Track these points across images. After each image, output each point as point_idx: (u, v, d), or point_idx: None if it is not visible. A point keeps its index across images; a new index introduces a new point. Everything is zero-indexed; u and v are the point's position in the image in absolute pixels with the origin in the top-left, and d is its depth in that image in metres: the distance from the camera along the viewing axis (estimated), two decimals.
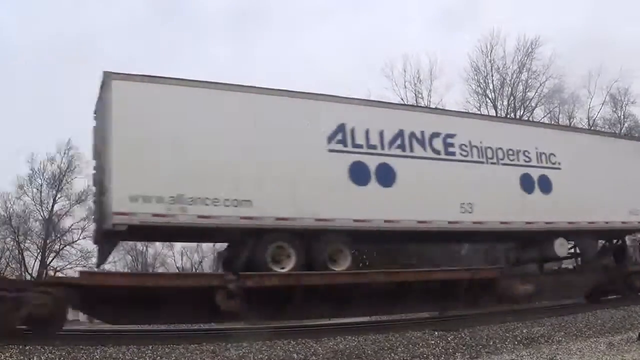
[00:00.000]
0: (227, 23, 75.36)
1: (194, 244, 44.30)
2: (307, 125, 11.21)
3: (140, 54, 61.47)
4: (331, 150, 11.37)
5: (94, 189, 11.33)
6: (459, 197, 12.25)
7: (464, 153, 12.68)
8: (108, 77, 10.19)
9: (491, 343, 9.42)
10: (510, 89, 32.76)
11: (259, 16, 75.20)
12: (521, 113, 31.97)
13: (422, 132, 12.28)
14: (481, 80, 33.11)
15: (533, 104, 32.82)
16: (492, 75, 32.96)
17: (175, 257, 49.92)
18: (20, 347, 7.68)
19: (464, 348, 9.14)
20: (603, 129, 31.47)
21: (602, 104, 34.14)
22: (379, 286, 11.04)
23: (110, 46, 61.86)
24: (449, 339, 9.63)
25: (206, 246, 46.96)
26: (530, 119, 30.36)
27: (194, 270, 46.12)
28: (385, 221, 11.46)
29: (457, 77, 42.52)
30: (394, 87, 32.52)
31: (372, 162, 11.59)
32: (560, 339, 9.70)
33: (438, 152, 12.43)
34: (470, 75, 33.12)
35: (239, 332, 10.03)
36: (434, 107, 27.96)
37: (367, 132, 11.69)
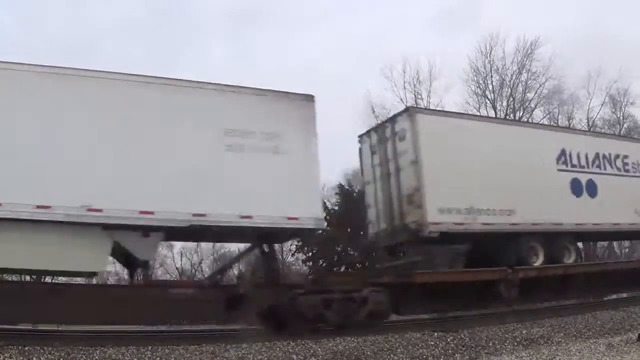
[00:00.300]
0: (227, 23, 75.45)
1: (193, 245, 44.49)
2: (545, 149, 14.29)
3: (140, 53, 61.55)
4: (559, 170, 14.37)
5: (369, 202, 13.72)
6: (634, 204, 15.26)
7: (634, 170, 15.93)
8: (413, 111, 13.06)
9: (490, 344, 9.43)
10: (509, 90, 32.77)
11: (259, 16, 75.27)
12: (520, 114, 32.00)
13: (610, 154, 15.47)
14: (480, 82, 33.13)
15: (532, 105, 32.87)
16: (492, 76, 32.99)
17: (174, 257, 49.91)
18: (20, 347, 7.69)
19: (464, 349, 9.15)
20: (602, 130, 31.51)
21: (602, 104, 34.18)
22: (602, 274, 14.35)
23: (111, 47, 61.94)
24: (449, 339, 9.63)
25: (205, 247, 47.18)
26: (530, 120, 30.38)
27: (193, 271, 46.03)
28: (593, 224, 14.52)
29: (457, 78, 42.44)
30: (393, 88, 32.56)
31: (583, 178, 14.65)
32: (559, 340, 9.71)
33: (619, 170, 15.61)
34: (469, 77, 33.15)
35: (238, 333, 10.06)
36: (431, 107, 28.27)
37: (578, 155, 14.75)
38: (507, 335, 9.95)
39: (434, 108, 13.54)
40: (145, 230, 9.94)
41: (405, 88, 32.44)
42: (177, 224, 10.00)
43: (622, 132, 32.25)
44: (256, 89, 11.29)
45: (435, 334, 10.01)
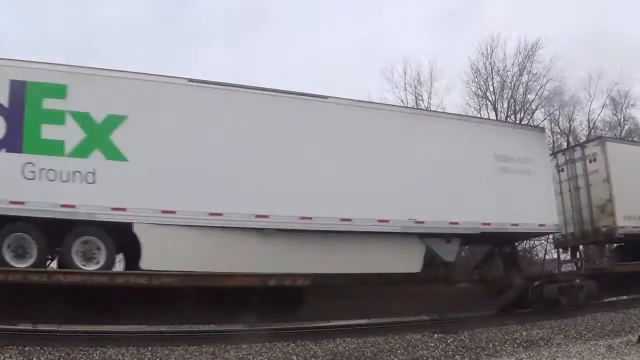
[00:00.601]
0: (227, 24, 75.46)
1: None
2: None
3: (140, 53, 61.55)
4: None
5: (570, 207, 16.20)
6: None
7: None
8: (604, 140, 16.22)
9: (490, 346, 9.44)
10: (510, 92, 32.67)
11: (258, 17, 75.30)
12: (521, 116, 31.96)
13: None
14: (481, 83, 33.03)
15: (533, 107, 32.78)
16: (493, 78, 32.90)
17: None
18: (20, 347, 7.70)
19: (464, 350, 9.16)
20: (603, 132, 31.49)
21: (602, 106, 34.07)
22: None
23: (110, 45, 61.88)
24: (449, 341, 9.64)
25: None
26: (531, 121, 30.35)
27: None
28: None
29: (458, 79, 42.41)
30: (394, 90, 32.50)
31: None
32: (559, 341, 9.72)
33: None
34: (470, 78, 33.07)
35: (238, 333, 10.06)
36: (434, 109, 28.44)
37: None
38: (507, 337, 9.95)
39: (619, 138, 17.58)
40: (448, 237, 12.38)
41: (406, 89, 32.42)
42: (472, 232, 12.45)
43: (622, 134, 32.25)
44: (512, 123, 15.88)
45: (435, 335, 10.02)
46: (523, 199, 12.94)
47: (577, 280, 13.80)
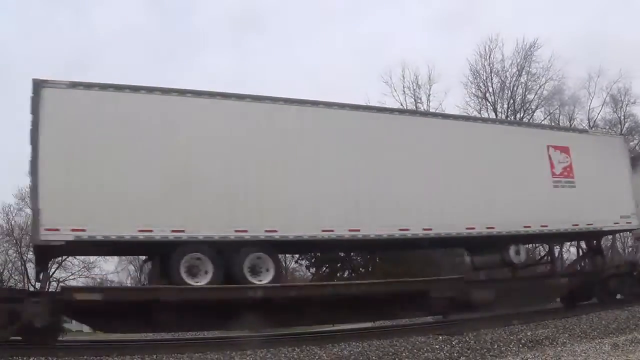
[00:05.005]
0: (225, 31, 75.78)
1: None
2: None
3: (140, 61, 61.80)
4: None
5: None
6: None
7: None
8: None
9: (495, 346, 9.40)
10: (509, 92, 32.72)
11: (257, 23, 75.67)
12: (521, 115, 31.97)
13: None
14: (481, 84, 33.11)
15: (533, 107, 32.80)
16: (492, 79, 32.96)
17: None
18: (25, 358, 7.72)
19: (469, 352, 9.13)
20: (603, 130, 31.41)
21: (602, 104, 34.05)
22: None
23: (111, 56, 62.17)
24: (454, 343, 9.61)
25: None
26: (531, 121, 30.35)
27: None
28: None
29: (457, 81, 42.48)
30: (393, 93, 32.57)
31: None
32: (564, 340, 9.68)
33: None
34: (469, 80, 33.13)
35: (243, 340, 10.05)
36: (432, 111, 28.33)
37: None
38: (511, 337, 9.92)
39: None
40: None
41: (404, 92, 32.51)
42: None
43: (622, 131, 32.16)
44: None
45: (440, 337, 10.00)
46: None
47: None
